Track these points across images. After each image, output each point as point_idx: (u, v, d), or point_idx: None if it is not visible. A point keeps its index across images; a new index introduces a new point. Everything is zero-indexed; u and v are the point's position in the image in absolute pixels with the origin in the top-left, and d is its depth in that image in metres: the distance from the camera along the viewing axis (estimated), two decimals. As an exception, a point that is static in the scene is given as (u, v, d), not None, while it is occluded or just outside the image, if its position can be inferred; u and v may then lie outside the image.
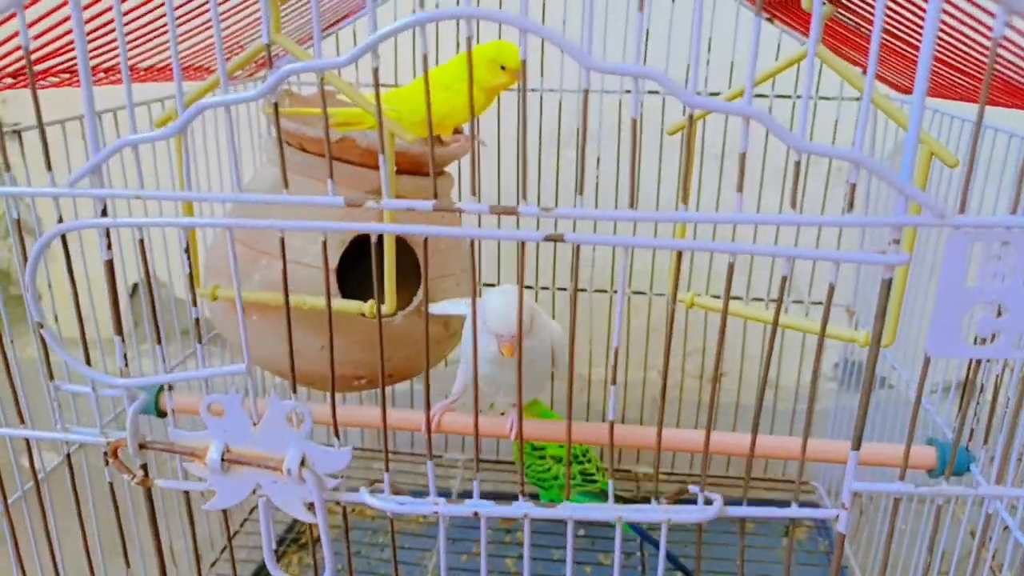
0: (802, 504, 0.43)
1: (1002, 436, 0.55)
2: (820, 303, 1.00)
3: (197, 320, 0.41)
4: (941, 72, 0.65)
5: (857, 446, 0.40)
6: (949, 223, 0.35)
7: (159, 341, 0.43)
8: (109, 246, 0.41)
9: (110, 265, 0.41)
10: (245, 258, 0.76)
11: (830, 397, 1.13)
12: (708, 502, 0.42)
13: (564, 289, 1.06)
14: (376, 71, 0.36)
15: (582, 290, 1.05)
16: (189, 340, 1.06)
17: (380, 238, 0.41)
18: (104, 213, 0.40)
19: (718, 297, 0.98)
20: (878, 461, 0.48)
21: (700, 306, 0.72)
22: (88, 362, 0.43)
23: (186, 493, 0.46)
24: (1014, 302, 0.36)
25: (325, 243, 0.40)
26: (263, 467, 0.42)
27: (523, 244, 0.38)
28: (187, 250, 0.40)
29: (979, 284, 0.37)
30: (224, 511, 0.44)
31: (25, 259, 0.40)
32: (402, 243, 0.75)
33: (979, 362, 0.44)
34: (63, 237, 0.41)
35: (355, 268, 0.81)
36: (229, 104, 0.36)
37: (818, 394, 1.13)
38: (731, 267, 0.37)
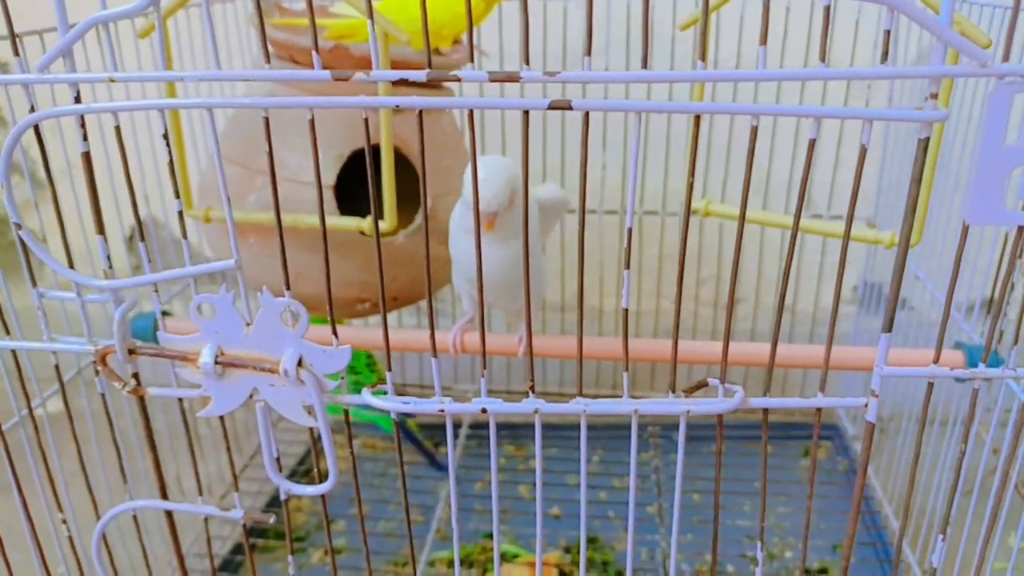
0: (823, 427, 0.41)
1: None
2: (839, 216, 0.97)
3: (180, 213, 0.39)
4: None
5: (889, 328, 0.37)
6: (993, 71, 0.32)
7: (142, 239, 0.40)
8: (85, 137, 0.38)
9: (87, 157, 0.38)
10: (240, 179, 0.73)
11: (850, 320, 1.10)
12: (729, 394, 0.39)
13: (572, 212, 1.03)
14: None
15: (591, 211, 1.01)
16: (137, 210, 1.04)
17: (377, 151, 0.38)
18: (78, 100, 0.37)
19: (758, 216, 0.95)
20: (908, 362, 0.46)
21: (716, 214, 0.69)
22: (71, 267, 0.41)
23: (180, 401, 0.44)
24: (1063, 160, 0.33)
25: (315, 141, 0.37)
26: (259, 369, 0.40)
27: (527, 113, 0.35)
28: (165, 136, 0.37)
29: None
30: (222, 418, 0.42)
31: None
32: (402, 161, 0.72)
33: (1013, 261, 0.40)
34: (36, 128, 0.38)
35: (357, 192, 0.78)
36: (200, -34, 0.33)
37: (821, 317, 1.10)
38: (754, 131, 0.34)
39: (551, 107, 0.34)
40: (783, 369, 1.02)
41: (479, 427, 1.05)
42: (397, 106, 0.35)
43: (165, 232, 1.12)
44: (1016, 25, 0.33)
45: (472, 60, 0.55)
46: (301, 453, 1.01)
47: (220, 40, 0.85)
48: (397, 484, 0.94)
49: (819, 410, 0.40)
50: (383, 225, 0.64)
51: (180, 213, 0.39)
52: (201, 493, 0.46)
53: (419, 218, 0.73)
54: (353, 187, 0.75)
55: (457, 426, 1.01)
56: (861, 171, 0.34)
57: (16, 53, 0.38)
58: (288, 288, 0.39)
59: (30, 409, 0.48)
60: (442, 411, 0.40)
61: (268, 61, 0.37)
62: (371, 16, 0.36)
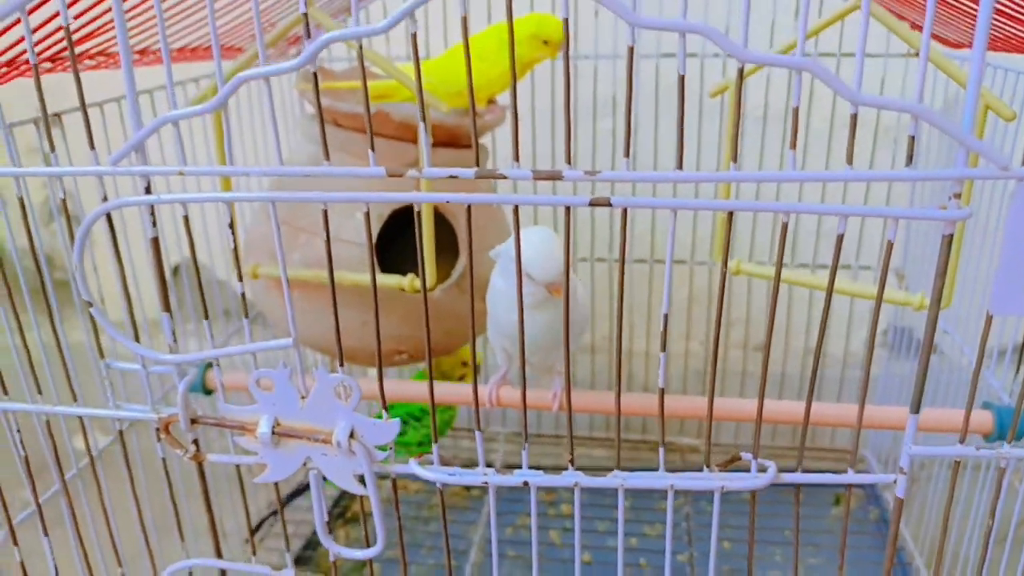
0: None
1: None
2: (867, 267, 0.98)
3: (243, 295, 0.41)
4: (995, 23, 0.62)
5: (916, 409, 0.38)
6: (1014, 174, 0.34)
7: (206, 316, 0.43)
8: (154, 223, 0.41)
9: (156, 243, 0.41)
10: (284, 236, 0.76)
11: (879, 364, 1.11)
12: (762, 469, 0.41)
13: (603, 260, 1.05)
14: (415, 36, 0.35)
15: (640, 261, 1.04)
16: (230, 320, 1.07)
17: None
18: (148, 190, 0.40)
19: (763, 263, 0.96)
20: (937, 427, 0.47)
21: (747, 272, 0.71)
22: (137, 340, 0.43)
23: (237, 467, 0.46)
24: (1084, 256, 0.35)
25: (368, 214, 0.39)
26: (313, 440, 0.42)
27: (569, 209, 0.37)
28: (231, 225, 0.40)
29: (1046, 238, 0.35)
30: (275, 485, 0.44)
31: (72, 240, 0.40)
32: (439, 218, 0.74)
33: None
34: (108, 216, 0.41)
35: (392, 244, 0.81)
36: (269, 75, 0.36)
37: (852, 360, 1.11)
38: (784, 227, 0.36)
39: (591, 204, 0.36)
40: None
41: (510, 467, 1.06)
42: (447, 200, 0.38)
43: (204, 272, 1.16)
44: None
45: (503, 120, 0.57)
46: (333, 496, 1.03)
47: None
48: (430, 527, 0.96)
49: (850, 486, 0.41)
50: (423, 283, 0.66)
51: (243, 295, 0.42)
52: (255, 552, 0.48)
53: (455, 274, 0.76)
54: (387, 241, 0.78)
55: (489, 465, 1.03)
56: (887, 267, 0.36)
57: (92, 147, 0.41)
58: (339, 343, 0.41)
59: (94, 467, 0.51)
60: (485, 483, 0.42)
61: (324, 142, 0.39)
62: (423, 109, 0.38)
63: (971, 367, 0.81)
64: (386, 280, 0.69)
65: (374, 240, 0.73)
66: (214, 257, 1.10)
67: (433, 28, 0.94)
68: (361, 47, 0.36)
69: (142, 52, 0.66)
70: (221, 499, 0.80)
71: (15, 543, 0.52)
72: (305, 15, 0.36)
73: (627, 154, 0.36)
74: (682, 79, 0.34)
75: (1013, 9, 0.56)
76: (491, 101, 0.83)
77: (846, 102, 0.33)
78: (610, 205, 0.36)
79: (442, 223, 0.74)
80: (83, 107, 0.40)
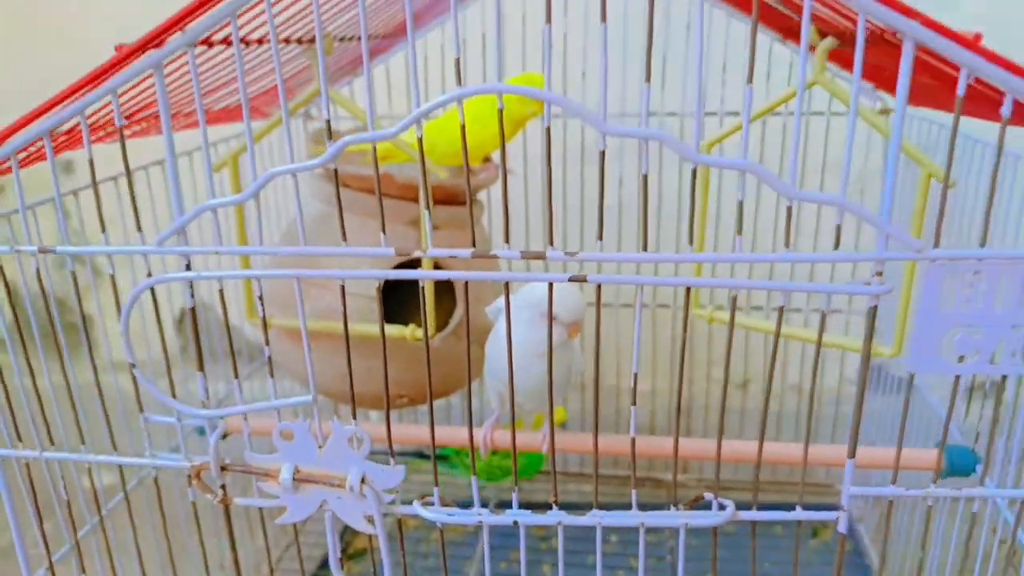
0: (827, 506, 0.48)
1: (1002, 441, 0.60)
2: (838, 310, 1.04)
3: (270, 359, 0.47)
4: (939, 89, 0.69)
5: (852, 454, 0.44)
6: (925, 256, 0.40)
7: (236, 375, 0.49)
8: (192, 295, 0.47)
9: (193, 312, 0.47)
10: (290, 288, 0.82)
11: (851, 401, 1.16)
12: (722, 507, 0.47)
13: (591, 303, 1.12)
14: (420, 141, 0.42)
15: (607, 305, 1.10)
16: (241, 359, 1.13)
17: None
18: (188, 267, 0.46)
19: (741, 309, 1.02)
20: (874, 464, 0.53)
21: (719, 321, 0.77)
22: (173, 395, 0.49)
23: (260, 509, 0.52)
24: (987, 324, 0.41)
25: (380, 288, 0.45)
26: (329, 485, 0.48)
27: (551, 285, 0.43)
28: (260, 297, 0.46)
29: (955, 308, 0.41)
30: (295, 526, 0.50)
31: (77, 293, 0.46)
32: (437, 266, 0.80)
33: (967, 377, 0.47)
34: (152, 291, 0.47)
35: (393, 292, 0.87)
36: (296, 171, 0.42)
37: (842, 396, 1.17)
38: (734, 299, 0.42)
39: (571, 279, 0.42)
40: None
41: (503, 505, 1.11)
42: (448, 278, 0.44)
43: (211, 313, 1.22)
44: (944, 212, 0.42)
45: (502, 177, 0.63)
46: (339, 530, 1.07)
47: (277, 161, 0.95)
48: (428, 562, 1.01)
49: (799, 522, 0.47)
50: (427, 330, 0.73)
51: (269, 359, 0.48)
52: (272, 585, 0.53)
53: (452, 323, 0.82)
54: (387, 290, 0.84)
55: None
56: (821, 333, 0.42)
57: (139, 228, 0.47)
58: (353, 398, 0.47)
59: (130, 510, 0.56)
60: (480, 522, 0.48)
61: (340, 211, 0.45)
62: (426, 193, 0.44)
63: (939, 405, 0.87)
64: (391, 330, 0.75)
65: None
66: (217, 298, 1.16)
67: (432, 87, 1.01)
68: (375, 149, 0.43)
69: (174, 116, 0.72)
70: (223, 538, 0.85)
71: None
72: (328, 121, 0.42)
73: (600, 237, 0.42)
74: (645, 178, 0.40)
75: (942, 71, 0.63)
76: (486, 159, 0.89)
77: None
78: (587, 281, 0.42)
79: (437, 267, 0.80)
80: (131, 193, 0.47)
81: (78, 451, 0.54)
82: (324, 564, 1.00)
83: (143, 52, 0.41)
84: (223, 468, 0.49)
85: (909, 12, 0.35)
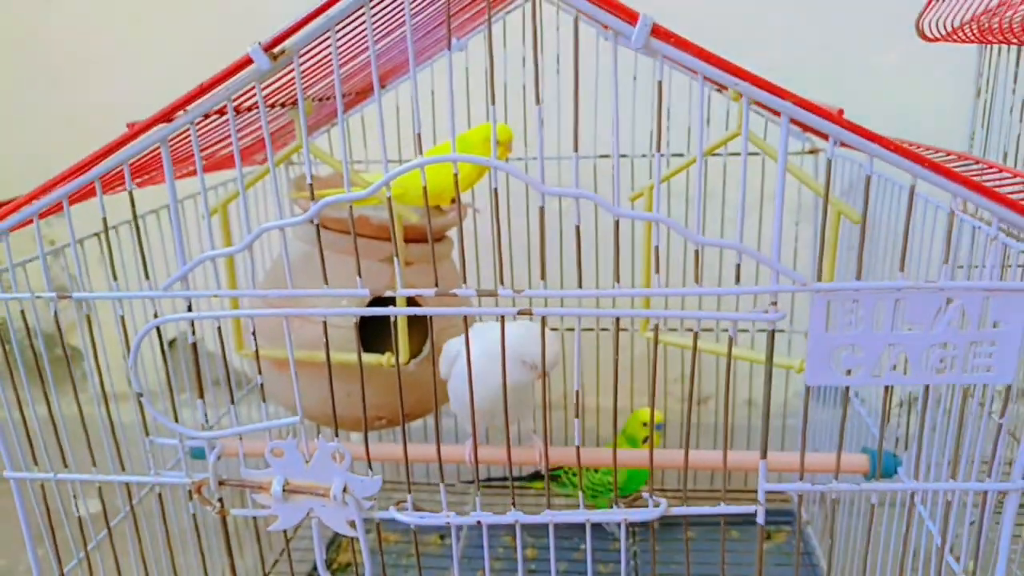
0: (778, 511, 0.55)
1: (914, 444, 0.68)
2: (763, 330, 1.13)
3: (262, 386, 0.54)
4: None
5: (764, 455, 0.52)
6: (810, 288, 0.48)
7: (232, 401, 0.56)
8: (194, 332, 0.54)
9: (194, 347, 0.54)
10: (277, 322, 0.89)
11: (798, 417, 1.25)
12: (656, 504, 0.54)
13: (556, 329, 1.20)
14: (390, 200, 0.50)
15: (570, 329, 1.18)
16: (220, 389, 1.19)
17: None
18: (189, 308, 0.53)
19: (691, 330, 1.10)
20: (783, 467, 0.60)
21: (667, 343, 0.85)
22: (176, 419, 0.56)
23: (254, 518, 0.58)
24: (866, 344, 0.49)
25: (357, 324, 0.53)
26: (315, 495, 0.55)
27: (503, 318, 0.51)
28: (253, 333, 0.53)
29: (840, 331, 0.49)
30: (285, 534, 0.57)
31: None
32: (411, 299, 0.88)
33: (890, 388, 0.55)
34: (158, 330, 0.54)
35: (369, 322, 0.94)
36: (284, 227, 0.50)
37: (790, 409, 1.26)
38: (656, 328, 0.50)
39: (519, 313, 0.50)
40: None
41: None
42: (418, 314, 0.51)
43: (200, 345, 1.28)
44: (824, 253, 0.50)
45: (467, 216, 0.71)
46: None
47: (264, 205, 1.02)
48: (409, 575, 1.08)
49: (723, 516, 0.55)
50: (400, 360, 0.80)
51: (261, 386, 0.55)
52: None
53: (426, 349, 0.89)
54: (364, 319, 0.91)
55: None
56: (731, 350, 0.50)
57: (147, 276, 0.55)
58: (335, 418, 0.54)
59: (136, 525, 0.62)
60: (448, 523, 0.55)
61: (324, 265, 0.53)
62: (393, 226, 0.52)
63: (872, 415, 0.95)
64: (368, 359, 0.82)
65: (356, 322, 0.87)
66: (206, 330, 1.23)
67: (404, 132, 1.09)
68: (352, 209, 0.50)
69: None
70: (215, 550, 0.91)
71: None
72: (311, 184, 0.50)
73: (543, 277, 0.50)
74: (577, 228, 0.48)
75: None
76: (453, 200, 0.97)
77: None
78: (532, 314, 0.50)
79: (411, 302, 0.88)
80: (140, 245, 0.54)
81: (90, 472, 0.60)
82: (313, 570, 1.06)
83: (153, 127, 0.49)
84: (221, 483, 0.56)
85: (784, 94, 0.44)
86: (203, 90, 0.47)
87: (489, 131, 0.88)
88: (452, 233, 1.03)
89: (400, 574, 1.09)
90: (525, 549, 1.13)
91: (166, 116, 0.48)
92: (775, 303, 0.49)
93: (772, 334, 0.49)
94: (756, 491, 0.53)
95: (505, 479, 1.27)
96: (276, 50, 0.46)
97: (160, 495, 0.62)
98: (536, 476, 1.14)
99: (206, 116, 0.56)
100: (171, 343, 1.33)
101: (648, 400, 1.27)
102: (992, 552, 0.56)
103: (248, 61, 0.47)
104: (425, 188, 0.49)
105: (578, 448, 0.54)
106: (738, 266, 0.48)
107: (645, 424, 1.02)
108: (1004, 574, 0.54)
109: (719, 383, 1.22)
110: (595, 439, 1.33)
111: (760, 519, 0.54)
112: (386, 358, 0.81)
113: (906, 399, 0.91)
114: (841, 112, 0.44)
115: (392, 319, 0.53)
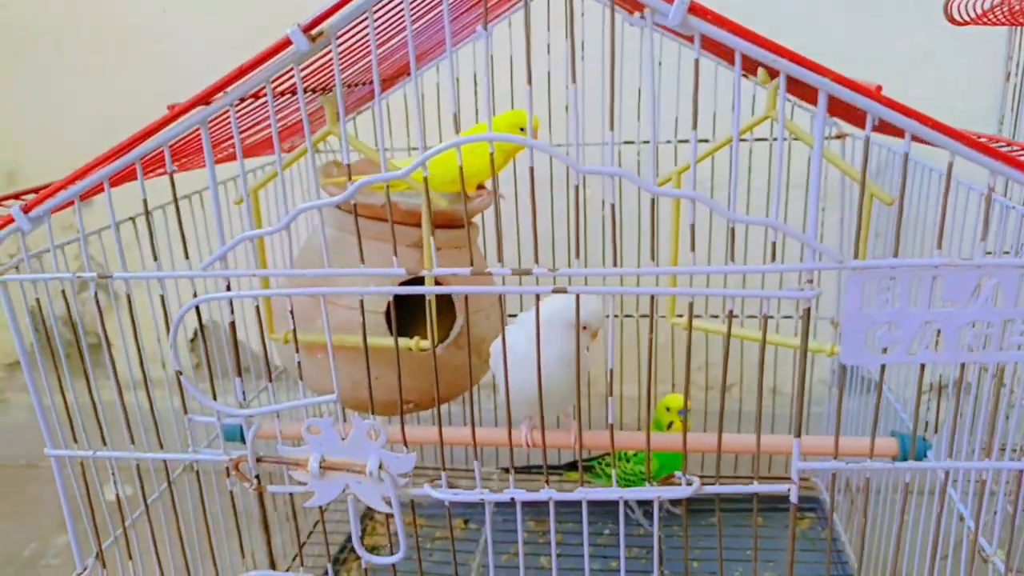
0: (804, 497, 0.55)
1: (946, 428, 0.68)
2: (789, 317, 1.13)
3: (299, 364, 0.55)
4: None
5: (798, 434, 0.52)
6: (847, 266, 0.48)
7: (270, 379, 0.57)
8: (232, 311, 0.55)
9: (232, 326, 0.55)
10: (310, 304, 0.90)
11: (823, 404, 1.25)
12: (689, 483, 0.55)
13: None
14: (426, 180, 0.50)
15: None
16: (249, 376, 1.20)
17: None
18: (228, 287, 0.54)
19: (716, 317, 1.10)
20: (815, 450, 0.60)
21: (697, 328, 0.85)
22: (214, 397, 0.57)
23: (291, 495, 0.59)
24: (902, 322, 0.49)
25: (386, 310, 0.53)
26: (350, 471, 0.55)
27: (538, 296, 0.51)
28: (291, 311, 0.54)
29: (876, 309, 0.49)
30: (321, 508, 0.58)
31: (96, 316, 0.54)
32: (438, 282, 0.88)
33: (923, 366, 0.55)
34: (197, 309, 0.55)
35: (398, 305, 0.95)
36: (321, 207, 0.51)
37: (815, 397, 1.26)
38: (691, 306, 0.50)
39: (554, 291, 0.51)
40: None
41: (505, 505, 1.19)
42: (451, 292, 0.52)
43: (220, 331, 1.30)
44: (861, 229, 0.50)
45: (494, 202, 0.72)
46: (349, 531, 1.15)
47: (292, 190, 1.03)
48: (434, 557, 1.09)
49: (756, 494, 0.55)
50: (428, 344, 0.81)
51: (299, 364, 0.55)
52: (303, 562, 0.61)
53: (453, 333, 0.90)
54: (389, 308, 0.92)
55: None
56: (765, 332, 0.50)
57: (186, 256, 0.56)
58: (372, 398, 0.54)
59: (174, 501, 0.64)
60: (483, 499, 0.55)
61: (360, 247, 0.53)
62: (429, 219, 0.52)
63: (900, 402, 0.95)
64: (400, 343, 0.83)
65: (384, 308, 0.87)
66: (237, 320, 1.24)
67: (429, 119, 1.09)
68: (388, 191, 0.51)
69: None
70: (252, 527, 0.93)
71: (103, 565, 0.65)
72: (348, 166, 0.50)
73: (577, 255, 0.51)
74: (612, 207, 0.48)
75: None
76: (481, 186, 0.98)
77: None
78: (567, 292, 0.50)
79: (438, 284, 0.89)
80: (180, 225, 0.55)
81: (128, 449, 0.61)
82: (343, 550, 1.08)
83: (193, 109, 0.50)
84: (259, 460, 0.57)
85: (822, 71, 0.44)
86: (242, 72, 0.48)
87: (515, 118, 0.88)
88: (477, 220, 1.03)
89: (425, 556, 1.10)
90: (549, 534, 1.14)
91: (205, 98, 0.49)
92: (811, 280, 0.49)
93: (808, 312, 0.50)
94: (784, 477, 0.54)
95: (539, 467, 1.28)
96: (314, 31, 0.47)
97: (197, 472, 0.63)
98: (571, 466, 1.15)
99: (241, 100, 0.57)
100: (194, 334, 1.34)
101: (670, 388, 1.28)
102: (1025, 534, 0.56)
103: (286, 43, 0.47)
104: (461, 168, 0.50)
105: (611, 426, 0.54)
106: (773, 244, 0.48)
107: (669, 410, 1.03)
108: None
109: (744, 370, 1.22)
110: (620, 428, 1.33)
111: (793, 497, 0.54)
112: (415, 342, 0.82)
113: (936, 383, 0.91)
114: (880, 89, 0.44)
115: (427, 300, 0.54)
